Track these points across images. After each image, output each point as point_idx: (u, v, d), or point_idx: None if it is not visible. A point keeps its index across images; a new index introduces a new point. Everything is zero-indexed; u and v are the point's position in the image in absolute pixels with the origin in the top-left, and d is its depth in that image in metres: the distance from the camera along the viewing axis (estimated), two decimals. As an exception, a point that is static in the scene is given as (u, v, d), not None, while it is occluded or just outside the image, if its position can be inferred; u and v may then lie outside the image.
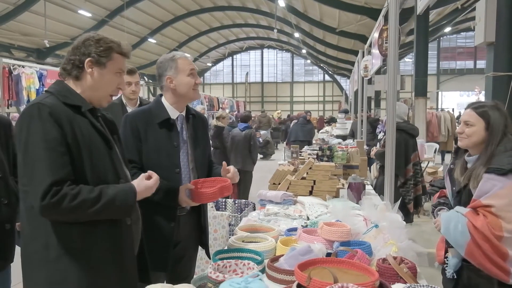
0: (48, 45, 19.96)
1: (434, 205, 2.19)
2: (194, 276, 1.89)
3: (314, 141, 7.89)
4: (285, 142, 9.77)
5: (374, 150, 4.58)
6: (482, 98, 12.49)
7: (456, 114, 13.87)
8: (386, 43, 4.41)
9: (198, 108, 9.12)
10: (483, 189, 1.79)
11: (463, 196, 1.93)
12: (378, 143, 4.88)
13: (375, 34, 5.30)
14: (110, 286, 1.56)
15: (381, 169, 4.32)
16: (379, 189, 4.22)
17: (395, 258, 1.61)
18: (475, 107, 1.97)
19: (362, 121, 8.29)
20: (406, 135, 4.36)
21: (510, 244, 1.73)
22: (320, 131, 13.41)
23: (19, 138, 1.49)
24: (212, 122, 6.61)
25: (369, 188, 3.70)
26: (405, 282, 1.52)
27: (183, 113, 2.23)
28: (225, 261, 1.72)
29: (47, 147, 1.44)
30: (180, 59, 2.15)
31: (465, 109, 2.04)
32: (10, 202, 2.03)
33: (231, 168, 2.21)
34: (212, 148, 5.83)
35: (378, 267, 1.60)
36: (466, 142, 1.95)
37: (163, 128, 2.13)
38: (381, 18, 5.05)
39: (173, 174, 2.11)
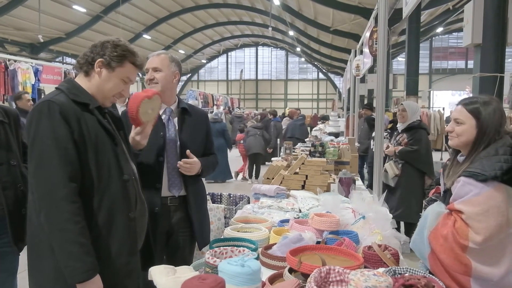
0: (42, 40, 19.86)
1: (427, 201, 2.17)
2: (192, 263, 1.99)
3: (307, 139, 8.04)
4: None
5: (391, 147, 4.32)
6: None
7: (447, 113, 14.07)
8: (376, 44, 4.53)
9: (190, 102, 9.72)
10: (459, 193, 1.66)
11: (447, 197, 1.83)
12: (388, 141, 4.60)
13: (367, 34, 5.44)
14: (113, 276, 1.61)
15: (404, 168, 4.20)
16: (402, 189, 4.16)
17: (379, 245, 1.73)
18: (465, 103, 1.78)
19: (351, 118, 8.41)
20: (426, 134, 4.36)
21: (474, 256, 1.58)
22: (313, 129, 13.57)
23: (27, 134, 1.56)
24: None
25: (359, 183, 3.83)
26: (388, 267, 1.65)
27: (172, 107, 2.33)
28: (221, 248, 1.83)
29: (55, 144, 1.51)
30: (148, 59, 2.28)
31: (456, 105, 1.85)
32: (25, 188, 2.14)
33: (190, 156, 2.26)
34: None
35: (364, 254, 1.72)
36: (456, 141, 1.79)
37: None
38: (371, 19, 5.18)
39: (156, 161, 2.20)
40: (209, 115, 9.78)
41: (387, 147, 4.21)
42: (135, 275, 1.72)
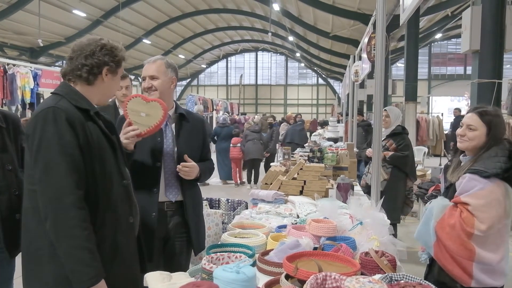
0: (41, 44, 19.89)
1: (427, 197, 2.36)
2: (189, 269, 1.98)
3: (306, 144, 8.06)
4: (279, 143, 10.13)
5: (381, 153, 4.40)
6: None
7: (445, 119, 14.07)
8: (374, 50, 4.55)
9: (195, 108, 10.11)
10: (465, 187, 1.90)
11: (450, 192, 2.06)
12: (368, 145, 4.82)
13: (365, 40, 5.45)
14: (116, 281, 1.62)
15: (392, 172, 4.26)
16: (389, 192, 4.15)
17: (376, 252, 1.73)
18: (479, 112, 2.03)
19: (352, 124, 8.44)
20: (409, 139, 4.50)
21: (478, 243, 1.85)
22: (313, 134, 13.59)
23: (31, 140, 1.54)
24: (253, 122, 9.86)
25: (357, 188, 3.83)
26: (385, 273, 1.64)
27: (169, 112, 2.32)
28: (218, 254, 1.82)
29: (62, 151, 1.50)
30: (145, 65, 2.28)
31: (467, 112, 2.12)
32: (20, 193, 2.13)
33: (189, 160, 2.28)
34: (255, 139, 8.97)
35: (361, 260, 1.71)
36: (466, 144, 2.03)
37: None
38: (370, 25, 5.20)
39: (154, 167, 2.21)
40: (219, 120, 10.70)
41: None
42: (136, 279, 1.73)
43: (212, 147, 10.35)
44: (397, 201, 4.37)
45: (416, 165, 4.69)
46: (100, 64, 1.67)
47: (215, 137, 9.67)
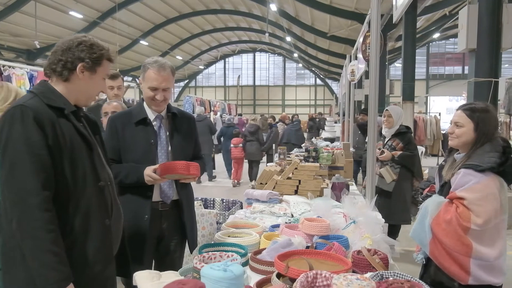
0: (38, 46, 19.86)
1: (423, 198, 2.34)
2: (180, 268, 1.96)
3: (303, 144, 8.06)
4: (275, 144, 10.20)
5: (387, 153, 4.18)
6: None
7: (443, 119, 14.05)
8: (369, 49, 4.54)
9: (197, 110, 10.32)
10: (460, 182, 1.90)
11: (445, 189, 2.06)
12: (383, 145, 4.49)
13: (360, 39, 5.44)
14: (88, 285, 1.58)
15: (401, 172, 4.18)
16: (398, 193, 4.15)
17: (369, 250, 1.71)
18: (465, 108, 2.04)
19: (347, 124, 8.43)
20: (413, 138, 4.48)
21: (475, 237, 1.84)
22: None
23: None
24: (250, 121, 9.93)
25: (353, 188, 3.81)
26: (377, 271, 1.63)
27: (163, 113, 2.30)
28: (210, 253, 1.80)
29: (28, 150, 1.45)
30: (151, 70, 2.18)
31: (456, 110, 2.12)
32: None
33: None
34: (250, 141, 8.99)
35: (353, 258, 1.70)
36: (456, 142, 2.05)
37: (139, 127, 2.21)
38: (365, 24, 5.19)
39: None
40: (224, 120, 11.31)
41: (382, 152, 4.15)
42: (111, 283, 1.69)
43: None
44: (406, 202, 4.32)
45: None
46: (74, 60, 1.61)
47: (222, 137, 9.98)
